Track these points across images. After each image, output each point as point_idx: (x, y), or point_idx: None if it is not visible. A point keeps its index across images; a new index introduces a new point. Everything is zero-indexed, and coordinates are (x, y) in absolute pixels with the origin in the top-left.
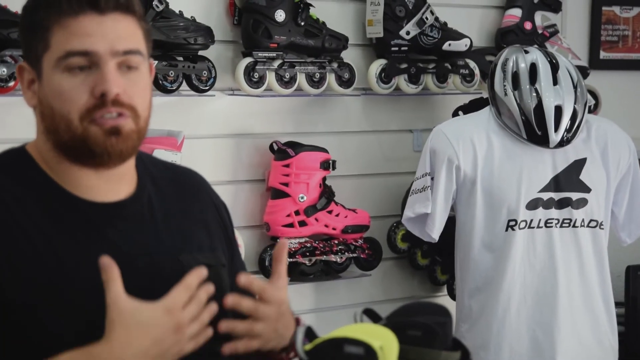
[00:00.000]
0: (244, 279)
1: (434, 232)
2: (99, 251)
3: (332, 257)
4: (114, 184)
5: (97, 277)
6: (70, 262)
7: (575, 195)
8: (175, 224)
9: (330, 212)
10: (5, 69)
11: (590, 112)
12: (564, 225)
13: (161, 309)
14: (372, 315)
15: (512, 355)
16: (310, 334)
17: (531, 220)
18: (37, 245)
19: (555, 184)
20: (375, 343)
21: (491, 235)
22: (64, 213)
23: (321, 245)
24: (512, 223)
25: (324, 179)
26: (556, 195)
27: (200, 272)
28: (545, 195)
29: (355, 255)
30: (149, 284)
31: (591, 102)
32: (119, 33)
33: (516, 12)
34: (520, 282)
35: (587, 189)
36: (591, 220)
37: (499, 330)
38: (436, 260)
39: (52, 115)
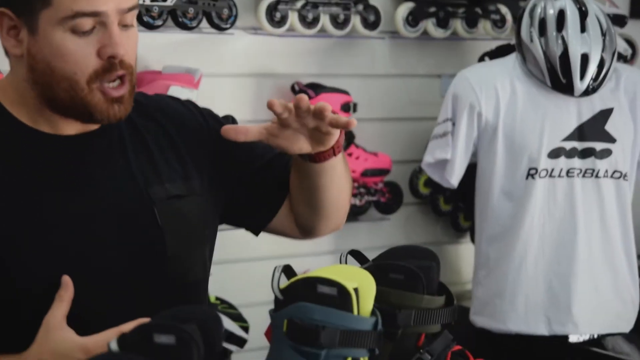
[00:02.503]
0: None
1: (453, 178)
2: (65, 187)
3: (351, 200)
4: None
5: (65, 212)
6: (36, 201)
7: (599, 145)
8: (147, 156)
9: (350, 154)
10: None
11: (626, 62)
12: (586, 175)
13: (80, 349)
14: (358, 257)
15: (527, 304)
16: (288, 272)
17: (552, 169)
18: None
19: (579, 133)
20: (349, 284)
21: (511, 183)
22: (27, 149)
23: None
24: (532, 171)
25: None
26: (579, 145)
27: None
28: (569, 145)
29: (375, 198)
30: (116, 220)
31: (628, 51)
32: None
33: None
34: (539, 232)
35: (612, 140)
36: (615, 171)
37: (515, 278)
38: (459, 206)
39: (50, 73)
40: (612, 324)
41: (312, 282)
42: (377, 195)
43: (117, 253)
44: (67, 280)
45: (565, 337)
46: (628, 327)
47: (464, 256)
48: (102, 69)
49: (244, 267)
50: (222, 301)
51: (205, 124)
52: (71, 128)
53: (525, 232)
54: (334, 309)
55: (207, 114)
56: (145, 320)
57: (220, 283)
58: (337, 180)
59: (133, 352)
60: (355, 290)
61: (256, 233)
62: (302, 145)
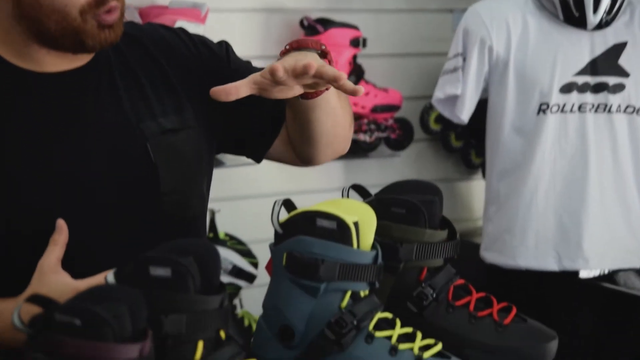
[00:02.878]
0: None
1: (464, 114)
2: (54, 125)
3: (361, 137)
4: (71, 57)
5: (55, 150)
6: (26, 141)
7: (612, 80)
8: (138, 91)
9: None
10: None
11: None
12: (598, 110)
13: (74, 292)
14: (360, 191)
15: (537, 240)
16: (288, 205)
17: (564, 105)
18: None
19: (592, 67)
20: (348, 218)
21: (522, 118)
22: (14, 88)
23: None
24: (544, 107)
25: (355, 56)
26: (592, 80)
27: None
28: (581, 79)
29: (385, 135)
30: (107, 157)
31: None
32: None
33: None
34: (550, 167)
35: (626, 74)
36: (628, 106)
37: (525, 214)
38: (470, 143)
39: (39, 8)
40: (624, 259)
41: (311, 216)
42: (388, 132)
43: (109, 192)
44: (61, 223)
45: (576, 273)
46: (639, 262)
47: (475, 193)
48: (95, 2)
49: (254, 204)
50: (232, 237)
51: (196, 51)
52: (59, 64)
53: (536, 168)
54: (333, 243)
55: (199, 41)
56: None
57: (230, 219)
58: (331, 111)
59: (129, 284)
60: (355, 224)
61: (257, 161)
62: (295, 91)
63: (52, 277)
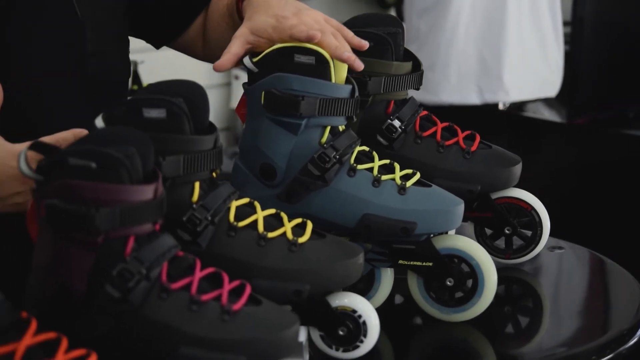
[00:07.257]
0: None
1: None
2: None
3: None
4: None
5: None
6: None
7: None
8: None
9: None
10: None
11: None
12: None
13: (10, 154)
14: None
15: (459, 75)
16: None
17: None
18: None
19: None
20: (327, 52)
21: None
22: None
23: None
24: None
25: None
26: None
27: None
28: None
29: None
30: (33, 13)
31: None
32: None
33: None
34: (470, 2)
35: None
36: None
37: (447, 50)
38: None
39: None
40: (541, 89)
41: (288, 52)
42: None
43: (36, 49)
44: None
45: (496, 105)
46: (554, 91)
47: None
48: None
49: (178, 54)
50: None
51: None
52: None
53: (456, 3)
54: (313, 78)
55: None
56: (78, 132)
57: (154, 71)
58: None
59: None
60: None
61: (157, 47)
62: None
63: None
